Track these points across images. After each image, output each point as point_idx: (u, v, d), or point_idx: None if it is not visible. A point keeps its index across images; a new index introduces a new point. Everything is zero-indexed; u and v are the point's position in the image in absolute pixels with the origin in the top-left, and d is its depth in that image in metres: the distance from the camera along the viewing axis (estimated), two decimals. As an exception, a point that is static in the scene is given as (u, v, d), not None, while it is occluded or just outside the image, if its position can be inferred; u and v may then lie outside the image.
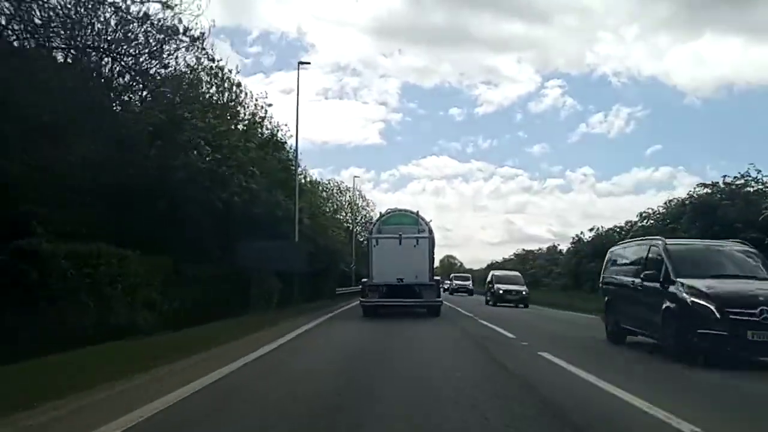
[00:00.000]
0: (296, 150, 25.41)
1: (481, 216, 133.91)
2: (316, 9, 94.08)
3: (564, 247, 59.56)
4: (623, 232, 35.36)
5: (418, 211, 18.45)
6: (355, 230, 50.70)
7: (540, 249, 62.53)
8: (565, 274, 45.43)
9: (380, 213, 20.67)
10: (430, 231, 18.17)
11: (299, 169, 25.77)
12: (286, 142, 25.95)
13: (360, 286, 18.55)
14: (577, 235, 45.18)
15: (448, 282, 49.46)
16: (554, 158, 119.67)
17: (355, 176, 62.65)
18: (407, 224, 17.97)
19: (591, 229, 42.56)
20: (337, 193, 50.74)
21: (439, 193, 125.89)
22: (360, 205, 55.94)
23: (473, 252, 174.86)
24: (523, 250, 67.60)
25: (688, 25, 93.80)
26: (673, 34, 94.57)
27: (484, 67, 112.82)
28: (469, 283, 50.95)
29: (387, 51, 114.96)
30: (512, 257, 68.81)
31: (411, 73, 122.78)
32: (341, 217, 48.59)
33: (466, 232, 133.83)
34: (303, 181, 27.47)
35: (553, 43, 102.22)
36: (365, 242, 44.19)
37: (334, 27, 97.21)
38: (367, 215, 55.30)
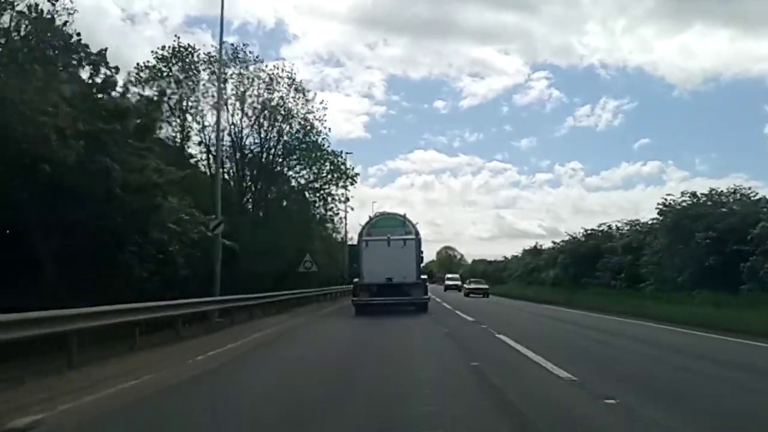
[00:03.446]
0: None
1: (470, 211, 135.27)
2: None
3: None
4: None
5: (405, 214, 19.88)
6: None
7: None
8: None
9: (369, 216, 21.96)
10: (417, 232, 19.42)
11: None
12: None
13: (352, 286, 19.73)
14: None
15: None
16: (542, 152, 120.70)
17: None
18: (395, 227, 19.23)
19: None
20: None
21: (428, 188, 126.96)
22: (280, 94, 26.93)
23: (465, 247, 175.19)
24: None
25: (675, 17, 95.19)
26: (660, 25, 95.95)
27: (469, 58, 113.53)
28: None
29: (371, 42, 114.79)
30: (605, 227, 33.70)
31: (395, 65, 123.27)
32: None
33: (456, 228, 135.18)
34: None
35: (539, 34, 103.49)
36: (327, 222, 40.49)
37: (316, 16, 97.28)
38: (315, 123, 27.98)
